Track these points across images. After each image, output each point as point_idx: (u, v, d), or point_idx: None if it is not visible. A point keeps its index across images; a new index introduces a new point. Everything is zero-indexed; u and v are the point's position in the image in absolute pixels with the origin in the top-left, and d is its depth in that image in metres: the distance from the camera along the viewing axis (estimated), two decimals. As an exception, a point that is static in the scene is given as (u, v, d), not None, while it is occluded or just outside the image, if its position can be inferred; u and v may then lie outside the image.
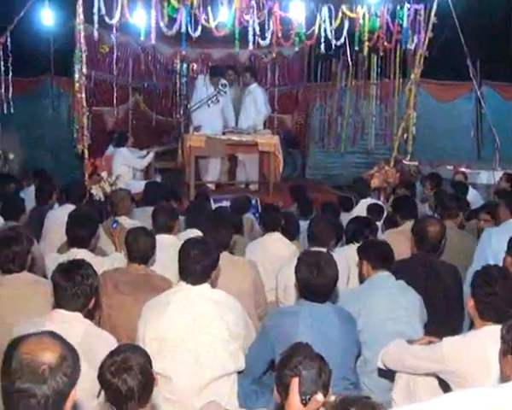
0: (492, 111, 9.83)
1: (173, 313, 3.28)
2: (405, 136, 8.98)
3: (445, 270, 4.19)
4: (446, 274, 4.16)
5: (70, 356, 1.95)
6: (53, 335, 2.02)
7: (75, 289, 3.02)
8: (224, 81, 9.26)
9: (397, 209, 5.67)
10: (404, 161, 9.42)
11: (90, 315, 3.22)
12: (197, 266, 3.31)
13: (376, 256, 3.84)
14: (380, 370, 3.38)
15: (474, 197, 7.59)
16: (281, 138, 9.38)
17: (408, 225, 5.27)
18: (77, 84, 7.29)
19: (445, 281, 4.11)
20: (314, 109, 12.01)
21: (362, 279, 4.00)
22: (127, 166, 8.51)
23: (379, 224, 5.93)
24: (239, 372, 3.36)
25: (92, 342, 2.95)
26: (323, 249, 4.05)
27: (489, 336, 2.79)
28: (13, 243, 3.67)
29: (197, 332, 3.25)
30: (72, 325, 2.99)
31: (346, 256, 4.52)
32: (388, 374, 3.36)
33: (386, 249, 3.90)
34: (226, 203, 7.31)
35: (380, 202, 7.10)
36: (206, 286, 3.36)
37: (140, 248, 4.00)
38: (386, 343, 3.25)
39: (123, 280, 3.88)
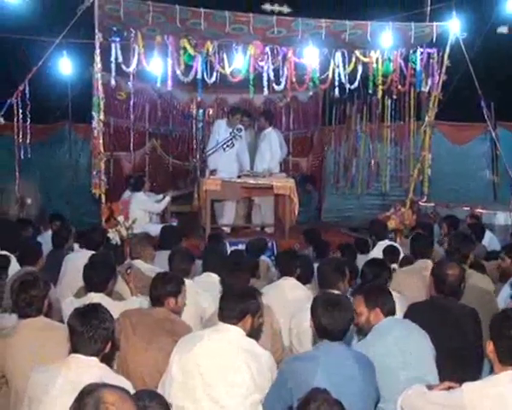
0: (508, 152, 9.80)
1: (202, 348, 3.33)
2: (421, 177, 8.98)
3: (463, 314, 4.10)
4: (465, 318, 4.08)
5: None
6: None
7: (92, 333, 3.03)
8: (239, 126, 9.36)
9: (412, 247, 5.64)
10: (420, 203, 9.40)
11: (106, 359, 3.21)
12: (230, 305, 3.47)
13: (390, 302, 3.77)
14: (399, 417, 3.30)
15: (490, 239, 7.54)
16: (296, 181, 9.41)
17: (420, 262, 5.25)
18: (95, 131, 7.42)
19: (463, 325, 4.02)
20: (329, 152, 12.07)
21: (362, 328, 3.85)
22: (144, 211, 8.56)
23: (395, 265, 5.91)
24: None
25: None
26: (334, 291, 4.03)
27: (509, 380, 2.74)
28: (30, 287, 3.69)
29: (221, 374, 3.27)
30: (88, 370, 2.99)
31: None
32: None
33: (392, 296, 3.85)
34: (242, 246, 7.31)
35: (396, 244, 7.06)
36: (240, 331, 3.42)
37: (156, 293, 4.00)
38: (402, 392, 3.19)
39: (141, 322, 3.88)
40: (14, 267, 5.41)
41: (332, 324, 3.27)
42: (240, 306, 3.45)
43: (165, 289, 3.99)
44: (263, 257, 6.73)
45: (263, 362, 3.38)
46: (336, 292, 3.99)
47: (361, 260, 5.84)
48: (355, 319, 3.77)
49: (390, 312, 3.74)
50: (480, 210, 8.77)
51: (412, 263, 5.65)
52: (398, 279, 5.21)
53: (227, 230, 9.38)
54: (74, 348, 3.06)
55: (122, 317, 3.82)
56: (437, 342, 3.67)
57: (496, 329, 2.91)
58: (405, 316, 4.02)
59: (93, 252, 5.63)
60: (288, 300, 4.79)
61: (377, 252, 6.46)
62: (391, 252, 6.21)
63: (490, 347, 2.90)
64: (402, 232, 8.53)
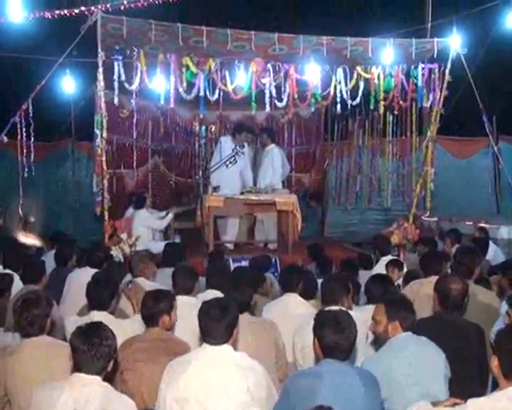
0: (510, 165, 9.81)
1: (193, 373, 3.25)
2: (423, 192, 8.98)
3: (467, 329, 4.08)
4: (469, 333, 4.05)
5: None
6: None
7: (94, 351, 3.02)
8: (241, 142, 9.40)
9: (421, 266, 5.60)
10: (423, 218, 9.38)
11: (108, 378, 3.20)
12: (217, 325, 3.31)
13: (411, 318, 3.74)
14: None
15: (494, 252, 7.51)
16: (299, 197, 9.41)
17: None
18: (98, 149, 7.45)
19: (468, 341, 4.00)
20: (331, 168, 12.09)
21: (379, 337, 3.87)
22: (146, 228, 8.57)
23: (399, 281, 5.89)
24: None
25: (112, 407, 2.92)
26: (337, 307, 4.00)
27: (514, 396, 2.72)
28: (32, 306, 3.68)
29: (217, 395, 3.22)
30: (91, 388, 2.98)
31: (365, 316, 4.46)
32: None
33: (413, 310, 3.81)
34: (245, 263, 7.30)
35: (400, 259, 7.05)
36: (228, 348, 3.34)
37: (148, 313, 3.96)
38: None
39: (139, 347, 3.82)
40: (18, 286, 5.41)
41: (339, 343, 3.24)
42: (226, 324, 3.32)
43: (158, 307, 3.93)
44: (266, 273, 6.72)
45: (257, 374, 3.33)
46: (340, 308, 3.96)
47: (364, 276, 5.82)
48: (373, 326, 3.76)
49: (409, 327, 3.71)
50: (484, 224, 8.75)
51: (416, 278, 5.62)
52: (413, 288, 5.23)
53: (230, 246, 9.37)
54: (77, 367, 3.05)
55: (121, 348, 3.74)
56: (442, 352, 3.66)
57: (500, 344, 2.90)
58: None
59: (96, 270, 5.63)
60: (292, 316, 4.77)
61: (381, 267, 6.44)
62: (395, 266, 6.20)
63: (494, 362, 2.89)
64: (405, 247, 8.51)
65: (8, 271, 5.70)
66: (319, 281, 5.16)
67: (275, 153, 9.74)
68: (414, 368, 3.51)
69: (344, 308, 4.03)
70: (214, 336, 3.32)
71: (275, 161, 9.67)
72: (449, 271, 6.23)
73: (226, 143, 9.53)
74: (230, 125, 11.18)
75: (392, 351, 3.63)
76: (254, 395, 3.24)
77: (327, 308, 3.93)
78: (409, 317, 3.73)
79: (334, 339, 3.23)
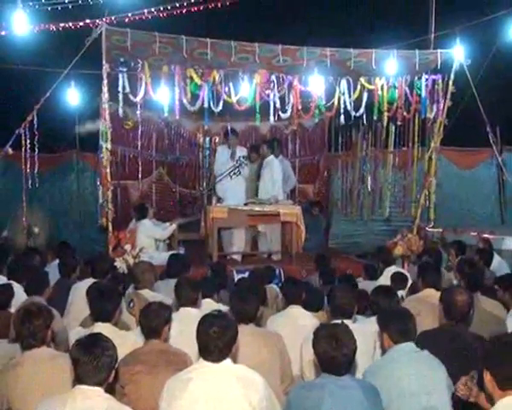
0: (514, 176, 9.81)
1: (195, 390, 3.20)
2: (427, 203, 8.97)
3: (472, 341, 4.05)
4: (475, 346, 4.03)
5: None
6: None
7: (96, 362, 3.01)
8: (244, 153, 9.40)
9: (421, 276, 5.59)
10: (427, 229, 9.37)
11: (110, 389, 3.19)
12: (218, 343, 3.24)
13: (397, 329, 3.71)
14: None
15: (499, 263, 7.48)
16: (303, 208, 9.40)
17: (427, 292, 5.20)
18: (102, 160, 7.47)
19: (473, 353, 3.97)
20: (335, 178, 12.08)
21: (384, 351, 3.87)
22: (150, 238, 8.56)
23: (403, 292, 5.88)
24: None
25: (115, 420, 2.91)
26: (347, 321, 3.98)
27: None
28: (33, 317, 3.68)
29: (219, 407, 3.17)
30: (94, 401, 2.97)
31: (372, 327, 4.44)
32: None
33: (408, 320, 3.77)
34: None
35: (404, 271, 7.03)
36: (227, 362, 3.29)
37: (151, 325, 3.95)
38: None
39: (140, 360, 3.79)
40: (22, 297, 5.40)
41: (336, 359, 3.22)
42: (226, 342, 3.25)
43: (163, 318, 3.95)
44: (271, 285, 6.71)
45: (258, 386, 3.27)
46: (342, 321, 3.91)
47: (370, 286, 5.80)
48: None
49: (402, 337, 3.68)
50: (488, 235, 8.73)
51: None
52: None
53: (238, 258, 9.34)
54: (78, 379, 3.04)
55: (122, 363, 3.71)
56: (446, 370, 3.63)
57: (491, 356, 2.86)
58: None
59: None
60: (297, 328, 4.75)
61: (385, 279, 6.43)
62: (399, 279, 6.18)
63: (487, 377, 2.84)
64: (409, 259, 8.49)
65: (12, 282, 5.70)
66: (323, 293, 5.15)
67: (274, 165, 9.60)
68: (417, 380, 3.50)
69: (347, 322, 4.00)
70: (214, 354, 3.25)
71: (274, 173, 9.56)
72: (455, 281, 6.22)
73: (224, 150, 9.53)
74: (225, 130, 10.98)
75: (394, 361, 3.61)
76: (256, 408, 3.20)
77: (333, 321, 3.91)
78: (397, 327, 3.70)
79: (330, 354, 3.22)
